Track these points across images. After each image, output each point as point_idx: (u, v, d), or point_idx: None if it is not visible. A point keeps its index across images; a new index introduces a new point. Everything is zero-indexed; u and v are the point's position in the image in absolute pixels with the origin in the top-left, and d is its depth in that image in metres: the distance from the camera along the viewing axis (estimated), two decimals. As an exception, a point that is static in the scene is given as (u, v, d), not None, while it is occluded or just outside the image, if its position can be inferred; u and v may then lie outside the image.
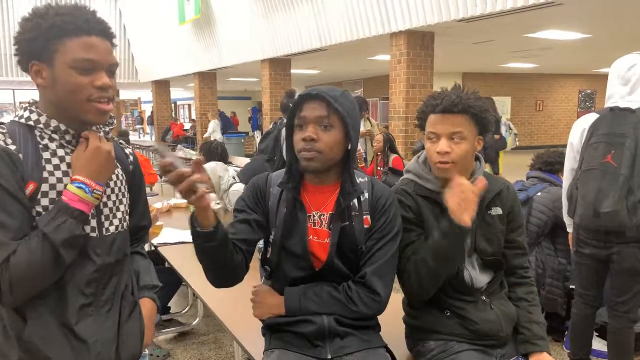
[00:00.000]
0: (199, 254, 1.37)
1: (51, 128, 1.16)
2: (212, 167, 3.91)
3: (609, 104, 2.38)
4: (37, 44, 1.11)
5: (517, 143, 6.51)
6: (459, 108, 1.46)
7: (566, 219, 2.61)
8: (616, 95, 2.35)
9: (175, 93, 20.16)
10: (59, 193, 1.13)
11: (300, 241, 1.46)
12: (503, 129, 6.23)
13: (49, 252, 1.06)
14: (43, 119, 1.16)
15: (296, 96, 1.43)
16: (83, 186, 1.12)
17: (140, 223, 1.42)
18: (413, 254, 1.51)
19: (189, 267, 2.61)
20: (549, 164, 3.03)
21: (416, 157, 1.66)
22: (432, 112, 1.50)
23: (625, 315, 2.40)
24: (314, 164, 1.41)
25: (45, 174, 1.13)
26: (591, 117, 2.43)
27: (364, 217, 1.47)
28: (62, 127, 1.17)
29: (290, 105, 1.46)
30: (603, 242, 2.36)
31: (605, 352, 2.98)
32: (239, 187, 3.74)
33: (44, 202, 1.12)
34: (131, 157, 1.37)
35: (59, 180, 1.15)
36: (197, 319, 3.34)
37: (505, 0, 5.73)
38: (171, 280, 3.12)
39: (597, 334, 2.85)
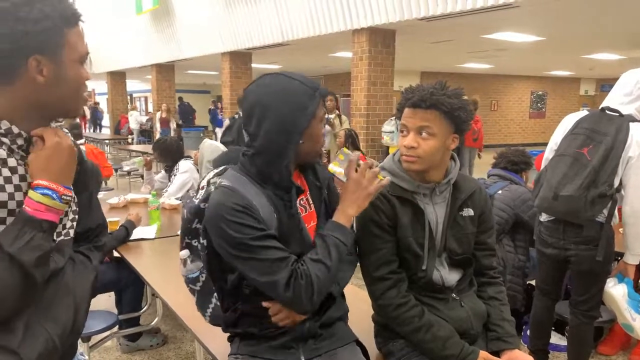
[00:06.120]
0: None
1: (1, 131, 0.95)
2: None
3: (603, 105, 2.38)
4: (46, 35, 0.93)
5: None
6: (427, 104, 1.42)
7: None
8: (613, 100, 2.35)
9: (132, 85, 19.57)
10: (10, 212, 0.94)
11: (301, 238, 1.36)
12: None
13: (19, 276, 0.89)
14: None
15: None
16: (49, 192, 0.93)
17: (89, 225, 1.16)
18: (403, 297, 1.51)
19: (148, 265, 2.53)
20: (515, 163, 3.05)
21: (392, 154, 1.62)
22: (406, 105, 1.49)
23: (586, 313, 2.47)
24: None
25: None
26: (580, 114, 2.45)
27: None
28: (15, 129, 0.96)
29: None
30: (562, 240, 2.40)
31: (560, 345, 3.08)
32: None
33: None
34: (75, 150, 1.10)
35: (11, 196, 0.95)
36: (157, 319, 3.23)
37: (465, 1, 5.84)
38: (134, 280, 2.95)
39: (553, 328, 2.93)
